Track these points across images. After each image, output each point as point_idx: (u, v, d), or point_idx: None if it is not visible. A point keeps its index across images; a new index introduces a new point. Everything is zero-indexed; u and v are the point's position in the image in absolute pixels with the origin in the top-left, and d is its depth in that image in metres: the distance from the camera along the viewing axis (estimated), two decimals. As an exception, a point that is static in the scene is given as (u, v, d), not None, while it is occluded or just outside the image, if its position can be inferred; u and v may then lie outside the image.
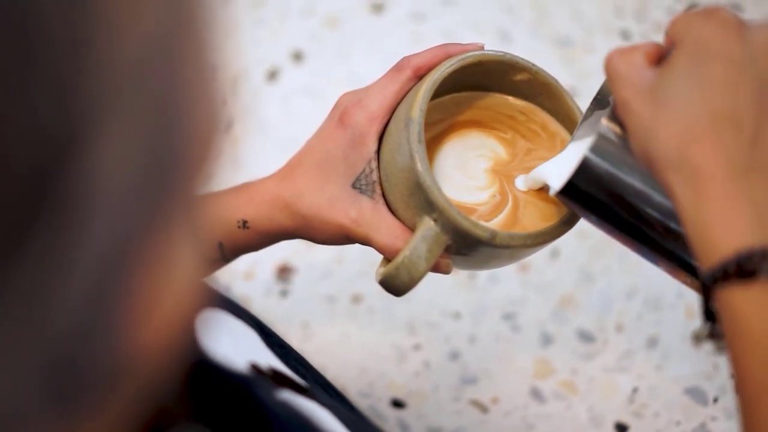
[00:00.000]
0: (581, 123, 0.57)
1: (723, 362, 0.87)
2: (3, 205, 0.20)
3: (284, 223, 0.61)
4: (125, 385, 0.26)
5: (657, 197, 0.51)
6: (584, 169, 0.51)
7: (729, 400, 0.85)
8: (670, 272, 0.54)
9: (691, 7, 1.08)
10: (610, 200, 0.52)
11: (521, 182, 0.60)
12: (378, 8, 1.08)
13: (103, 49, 0.22)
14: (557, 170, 0.55)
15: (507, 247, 0.56)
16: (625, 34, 1.07)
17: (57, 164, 0.21)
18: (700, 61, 0.46)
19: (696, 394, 0.85)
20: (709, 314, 0.46)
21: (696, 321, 0.89)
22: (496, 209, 0.59)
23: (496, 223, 0.59)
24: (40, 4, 0.20)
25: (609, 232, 0.54)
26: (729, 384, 0.86)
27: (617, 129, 0.51)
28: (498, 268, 0.63)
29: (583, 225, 0.94)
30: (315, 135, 0.61)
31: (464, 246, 0.57)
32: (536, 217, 0.59)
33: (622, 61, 0.49)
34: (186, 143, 0.25)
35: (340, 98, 0.61)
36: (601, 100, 0.55)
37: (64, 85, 0.21)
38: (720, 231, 0.44)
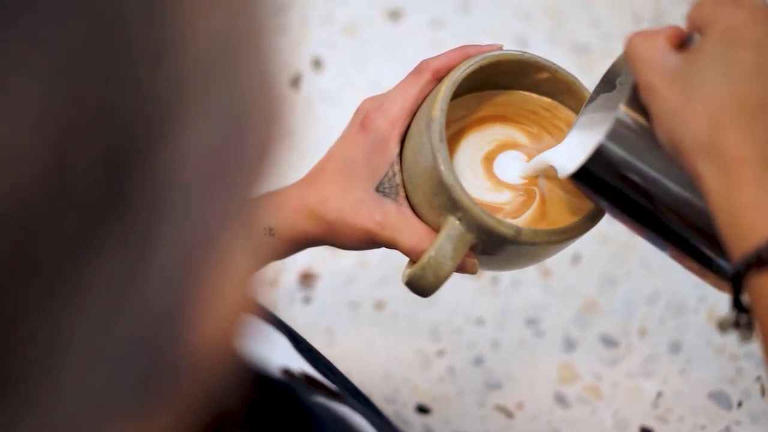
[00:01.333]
0: (587, 105, 0.56)
1: (746, 366, 0.87)
2: (87, 191, 0.21)
3: (310, 229, 0.61)
4: (188, 383, 0.26)
5: (671, 185, 0.50)
6: (600, 154, 0.51)
7: (753, 404, 0.85)
8: (678, 259, 0.54)
9: None
10: (623, 186, 0.51)
11: (525, 169, 0.60)
12: (395, 15, 1.09)
13: (178, 45, 0.22)
14: (569, 153, 0.55)
15: (532, 243, 0.56)
16: (642, 40, 1.07)
17: (136, 154, 0.21)
18: (730, 47, 0.46)
19: (720, 399, 0.85)
20: (738, 303, 0.46)
21: (719, 325, 0.90)
22: (523, 206, 0.59)
23: (522, 221, 0.58)
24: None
25: (619, 217, 0.54)
26: (753, 388, 0.86)
27: (635, 114, 0.50)
28: (525, 267, 0.63)
29: (605, 230, 0.94)
30: (337, 141, 0.62)
31: (489, 244, 0.57)
32: (565, 213, 0.59)
33: (645, 44, 0.49)
34: (249, 143, 0.26)
35: (362, 104, 0.62)
36: (607, 83, 0.55)
37: (142, 79, 0.21)
38: (752, 217, 0.44)
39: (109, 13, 0.20)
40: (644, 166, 0.50)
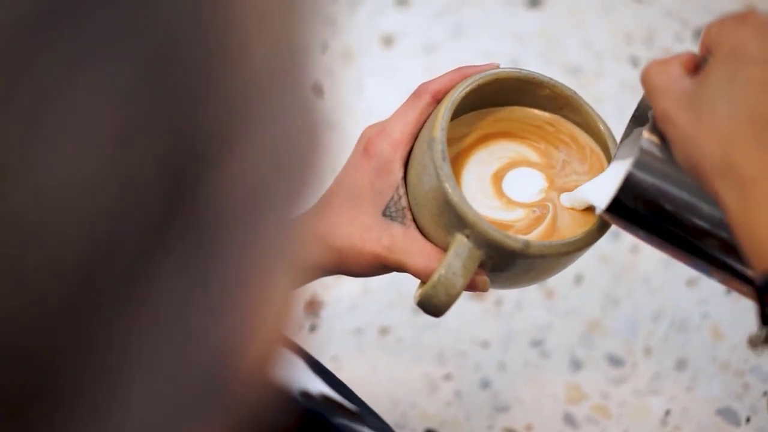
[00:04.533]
0: (621, 142, 0.57)
1: (753, 381, 0.87)
2: (150, 215, 0.21)
3: (320, 258, 0.61)
4: (235, 408, 0.26)
5: (704, 207, 0.51)
6: (629, 185, 0.51)
7: (761, 420, 0.85)
8: (725, 282, 0.54)
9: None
10: (657, 214, 0.51)
11: (566, 200, 0.60)
12: (389, 41, 1.09)
13: (233, 68, 0.22)
14: (601, 189, 0.55)
15: (541, 256, 0.56)
16: (634, 61, 1.08)
17: (195, 177, 0.21)
18: (737, 65, 0.47)
19: (728, 415, 0.86)
20: (766, 319, 0.46)
21: (723, 342, 0.90)
22: (535, 223, 0.59)
23: (534, 236, 0.58)
24: (177, 13, 0.21)
25: (659, 245, 0.54)
26: (760, 403, 0.86)
27: (658, 142, 0.51)
28: (537, 282, 0.63)
29: (606, 250, 0.94)
30: (343, 169, 0.62)
31: (499, 260, 0.57)
32: (575, 228, 0.59)
33: (659, 73, 0.49)
34: (292, 167, 0.26)
35: (364, 130, 0.62)
36: (639, 117, 0.56)
37: (202, 99, 0.21)
38: None
39: (169, 34, 0.20)
40: (675, 191, 0.51)
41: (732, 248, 0.51)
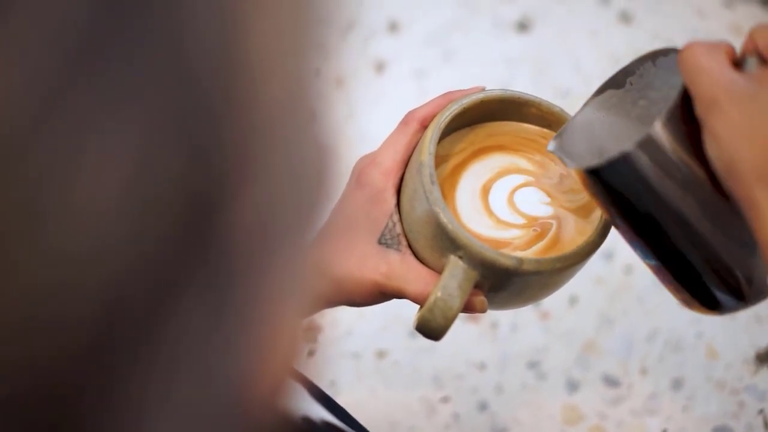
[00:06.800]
0: (593, 97, 0.56)
1: (748, 400, 0.87)
2: (168, 250, 0.21)
3: (321, 290, 0.61)
4: None
5: (687, 210, 0.49)
6: (621, 162, 0.50)
7: (758, 438, 0.85)
8: (663, 279, 0.53)
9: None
10: (634, 197, 0.50)
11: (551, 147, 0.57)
12: (380, 67, 1.10)
13: (249, 102, 0.22)
14: (574, 143, 0.54)
15: (536, 273, 0.56)
16: (623, 83, 1.09)
17: (211, 211, 0.22)
18: None
19: (724, 433, 0.86)
20: None
21: (718, 361, 0.90)
22: (535, 239, 0.59)
23: (532, 252, 0.58)
24: (198, 54, 0.21)
25: (619, 222, 0.53)
26: (756, 421, 0.86)
27: (672, 131, 0.49)
28: (536, 300, 0.62)
29: (600, 271, 0.95)
30: (338, 200, 0.62)
31: (494, 279, 0.57)
32: (572, 243, 0.58)
33: (708, 57, 0.47)
34: (303, 198, 0.26)
35: (356, 162, 0.63)
36: (617, 80, 0.54)
37: (219, 133, 0.22)
38: None
39: (187, 68, 0.21)
40: (666, 183, 0.49)
41: (700, 255, 0.50)
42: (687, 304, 0.54)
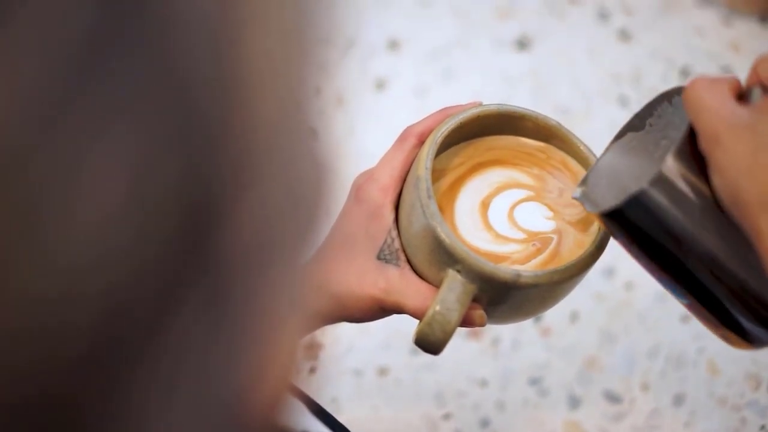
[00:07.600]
0: (614, 141, 0.56)
1: (750, 416, 0.87)
2: (166, 265, 0.21)
3: (321, 307, 0.61)
4: None
5: (706, 240, 0.50)
6: (639, 199, 0.50)
7: (760, 454, 0.85)
8: (695, 311, 0.53)
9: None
10: (655, 234, 0.51)
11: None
12: (381, 85, 1.10)
13: (244, 117, 0.23)
14: (597, 188, 0.54)
15: (535, 286, 0.56)
16: (622, 101, 1.09)
17: (208, 224, 0.22)
18: None
19: (727, 450, 0.86)
20: None
21: (719, 377, 0.90)
22: (535, 253, 0.59)
23: (531, 266, 0.58)
24: (194, 70, 0.21)
25: (643, 261, 0.53)
26: (758, 437, 0.86)
27: (682, 164, 0.50)
28: (537, 314, 0.62)
29: (600, 287, 0.95)
30: (337, 217, 0.63)
31: (492, 292, 0.57)
32: (575, 249, 0.59)
33: (710, 92, 0.48)
34: (301, 211, 0.26)
35: (355, 179, 0.63)
36: (637, 123, 0.55)
37: (216, 148, 0.22)
38: None
39: (181, 83, 0.21)
40: (683, 218, 0.50)
41: (725, 285, 0.50)
42: (726, 339, 0.53)
